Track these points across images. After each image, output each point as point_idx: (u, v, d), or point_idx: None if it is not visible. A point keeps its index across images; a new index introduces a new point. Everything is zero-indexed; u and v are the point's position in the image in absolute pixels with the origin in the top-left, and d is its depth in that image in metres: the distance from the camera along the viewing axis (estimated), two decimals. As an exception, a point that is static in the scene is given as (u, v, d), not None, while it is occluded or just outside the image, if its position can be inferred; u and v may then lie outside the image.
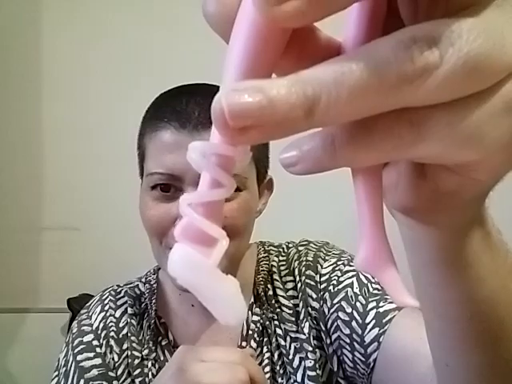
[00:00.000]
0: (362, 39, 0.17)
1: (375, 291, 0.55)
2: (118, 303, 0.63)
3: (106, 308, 0.62)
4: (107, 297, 0.64)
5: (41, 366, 1.22)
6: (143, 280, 0.67)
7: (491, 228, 0.24)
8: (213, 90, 0.54)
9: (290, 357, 0.58)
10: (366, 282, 0.56)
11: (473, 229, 0.22)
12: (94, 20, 1.27)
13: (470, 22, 0.14)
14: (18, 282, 1.25)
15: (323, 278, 0.60)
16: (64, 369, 0.58)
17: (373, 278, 0.57)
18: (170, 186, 0.54)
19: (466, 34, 0.14)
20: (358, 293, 0.55)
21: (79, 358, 0.58)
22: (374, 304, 0.54)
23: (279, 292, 0.62)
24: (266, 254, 0.66)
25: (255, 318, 0.61)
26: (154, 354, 0.59)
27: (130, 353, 0.58)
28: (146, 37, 1.27)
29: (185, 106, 0.53)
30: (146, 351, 0.59)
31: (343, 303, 0.56)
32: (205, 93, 0.55)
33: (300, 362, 0.58)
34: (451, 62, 0.14)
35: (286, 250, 0.66)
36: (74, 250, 1.25)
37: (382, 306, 0.53)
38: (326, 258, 0.62)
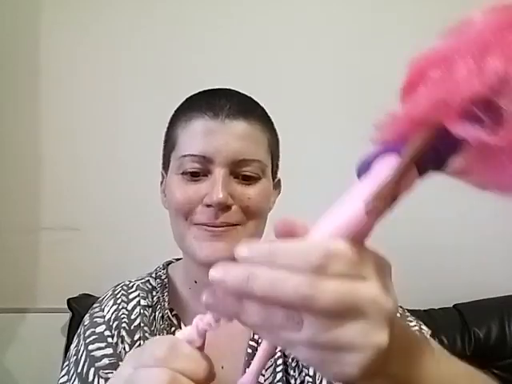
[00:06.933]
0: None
1: (409, 318, 0.60)
2: (130, 297, 0.64)
3: (119, 301, 0.63)
4: (119, 291, 0.65)
5: (41, 366, 1.22)
6: (153, 275, 0.68)
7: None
8: (236, 91, 0.64)
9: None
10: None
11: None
12: (93, 20, 1.27)
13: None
14: (17, 281, 1.25)
15: None
16: (75, 358, 0.59)
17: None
18: (199, 173, 0.59)
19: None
20: None
21: (90, 347, 0.59)
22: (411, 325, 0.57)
23: None
24: None
25: None
26: None
27: (142, 342, 0.59)
28: (146, 38, 1.27)
29: (218, 100, 0.60)
30: None
31: None
32: (233, 92, 0.64)
33: None
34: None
35: None
36: (73, 250, 1.25)
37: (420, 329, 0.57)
38: None
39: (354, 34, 1.30)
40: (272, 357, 0.60)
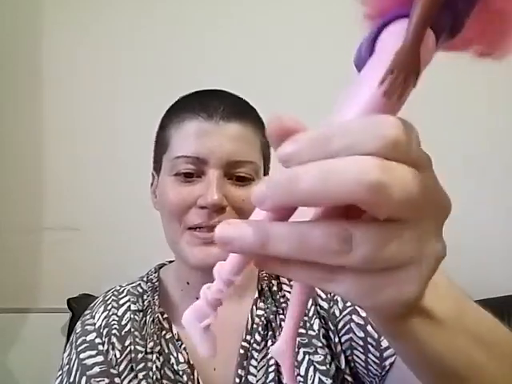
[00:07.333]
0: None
1: None
2: (121, 302, 0.64)
3: (109, 308, 0.63)
4: (110, 297, 0.65)
5: (41, 366, 1.22)
6: (145, 279, 0.68)
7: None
8: (227, 92, 0.63)
9: (295, 350, 0.59)
10: None
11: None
12: (93, 20, 1.27)
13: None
14: (18, 281, 1.26)
15: None
16: (67, 367, 0.59)
17: None
18: (193, 174, 0.58)
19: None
20: None
21: (82, 356, 0.59)
22: None
23: (285, 287, 0.64)
24: None
25: (259, 312, 0.63)
26: (158, 347, 0.60)
27: (133, 348, 0.59)
28: (146, 38, 1.27)
29: (212, 101, 0.60)
30: (150, 344, 0.60)
31: (357, 307, 0.57)
32: (225, 93, 0.63)
33: (304, 356, 0.59)
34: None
35: None
36: (74, 250, 1.25)
37: None
38: None
39: (353, 33, 1.30)
40: (265, 357, 0.60)
